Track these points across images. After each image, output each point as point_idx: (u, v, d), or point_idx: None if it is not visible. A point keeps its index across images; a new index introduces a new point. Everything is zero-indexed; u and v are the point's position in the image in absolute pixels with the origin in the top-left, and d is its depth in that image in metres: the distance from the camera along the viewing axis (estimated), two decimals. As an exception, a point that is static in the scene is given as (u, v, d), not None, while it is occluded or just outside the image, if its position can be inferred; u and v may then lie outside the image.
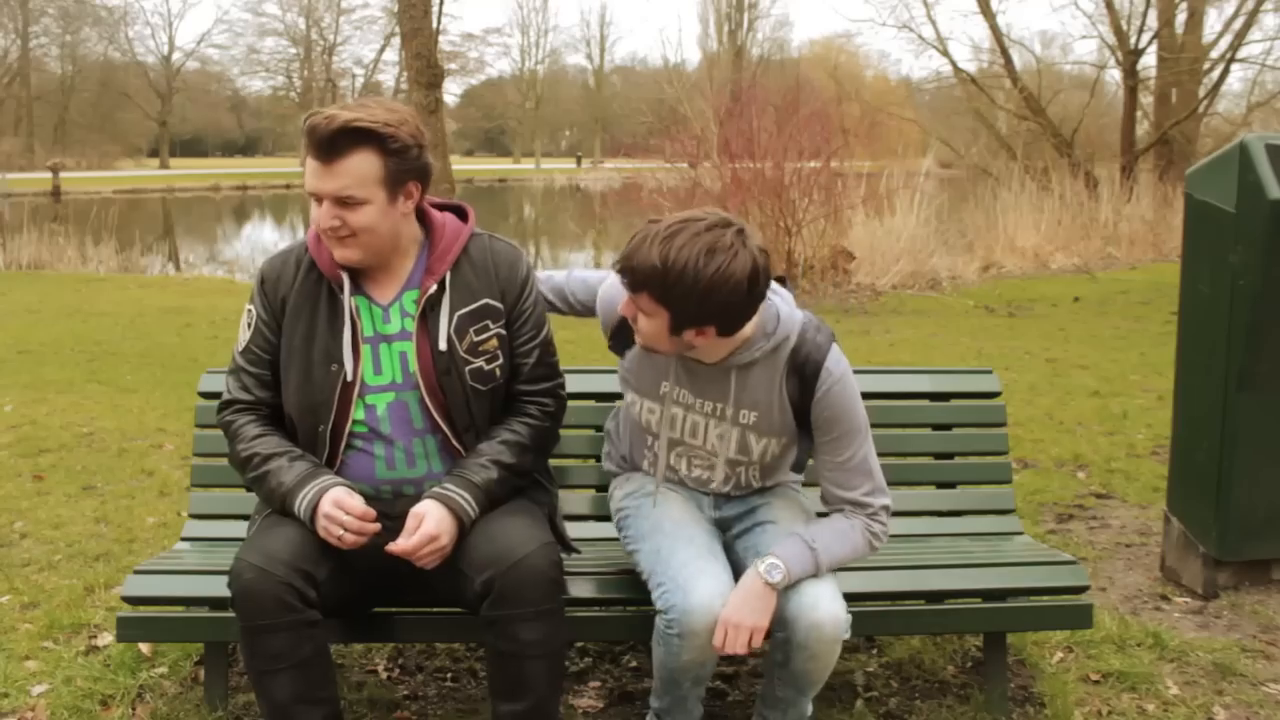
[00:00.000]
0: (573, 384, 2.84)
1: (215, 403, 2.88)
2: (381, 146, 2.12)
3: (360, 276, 2.28)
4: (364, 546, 2.18)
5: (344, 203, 2.14)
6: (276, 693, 2.15)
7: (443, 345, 2.25)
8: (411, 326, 2.27)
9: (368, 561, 2.22)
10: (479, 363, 2.28)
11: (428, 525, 2.15)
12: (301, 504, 2.18)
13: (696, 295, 2.05)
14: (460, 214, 2.39)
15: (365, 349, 2.27)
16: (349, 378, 2.24)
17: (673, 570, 2.23)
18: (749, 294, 2.09)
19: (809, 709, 2.39)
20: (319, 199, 2.16)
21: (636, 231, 2.13)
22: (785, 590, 2.19)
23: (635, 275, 2.10)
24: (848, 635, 2.22)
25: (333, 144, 2.09)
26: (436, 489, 2.23)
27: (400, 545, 2.14)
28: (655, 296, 2.09)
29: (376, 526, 2.16)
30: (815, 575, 2.21)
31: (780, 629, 2.21)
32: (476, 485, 2.23)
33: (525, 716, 2.20)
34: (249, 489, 2.39)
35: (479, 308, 2.29)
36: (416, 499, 2.23)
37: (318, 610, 2.14)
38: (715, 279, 2.04)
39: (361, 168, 2.12)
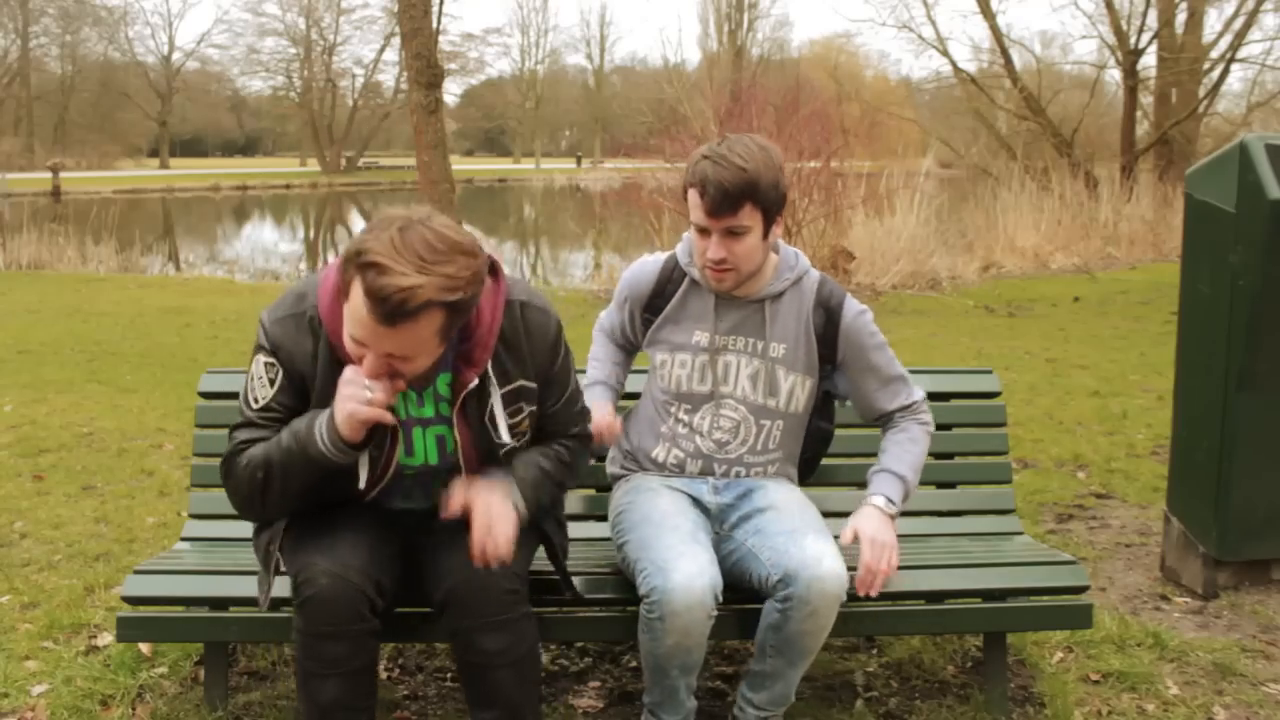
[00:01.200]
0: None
1: (215, 403, 2.90)
2: (445, 308, 1.95)
3: None
4: (410, 537, 2.23)
5: (400, 359, 2.01)
6: (322, 696, 2.13)
7: (505, 437, 2.18)
8: (447, 411, 2.19)
9: (413, 558, 2.25)
10: (513, 442, 2.22)
11: (480, 518, 2.11)
12: (320, 427, 2.05)
13: (777, 182, 2.33)
14: (491, 271, 2.16)
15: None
16: (362, 486, 2.15)
17: (654, 554, 2.27)
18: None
19: (792, 694, 2.39)
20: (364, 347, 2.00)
21: (697, 176, 2.31)
22: (788, 545, 2.27)
23: (736, 191, 2.28)
24: (845, 599, 2.25)
25: (395, 317, 1.91)
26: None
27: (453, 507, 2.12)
28: (754, 200, 2.30)
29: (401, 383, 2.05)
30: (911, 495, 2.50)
31: (783, 585, 2.24)
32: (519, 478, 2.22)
33: None
34: (261, 517, 2.25)
35: (514, 390, 2.20)
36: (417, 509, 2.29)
37: (378, 620, 2.13)
38: (777, 164, 2.34)
39: (427, 332, 1.97)
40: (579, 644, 3.02)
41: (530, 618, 2.22)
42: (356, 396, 2.00)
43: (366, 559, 2.12)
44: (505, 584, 2.14)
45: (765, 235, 2.37)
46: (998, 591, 2.57)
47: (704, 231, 2.37)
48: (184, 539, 2.82)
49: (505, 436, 2.18)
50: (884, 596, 2.54)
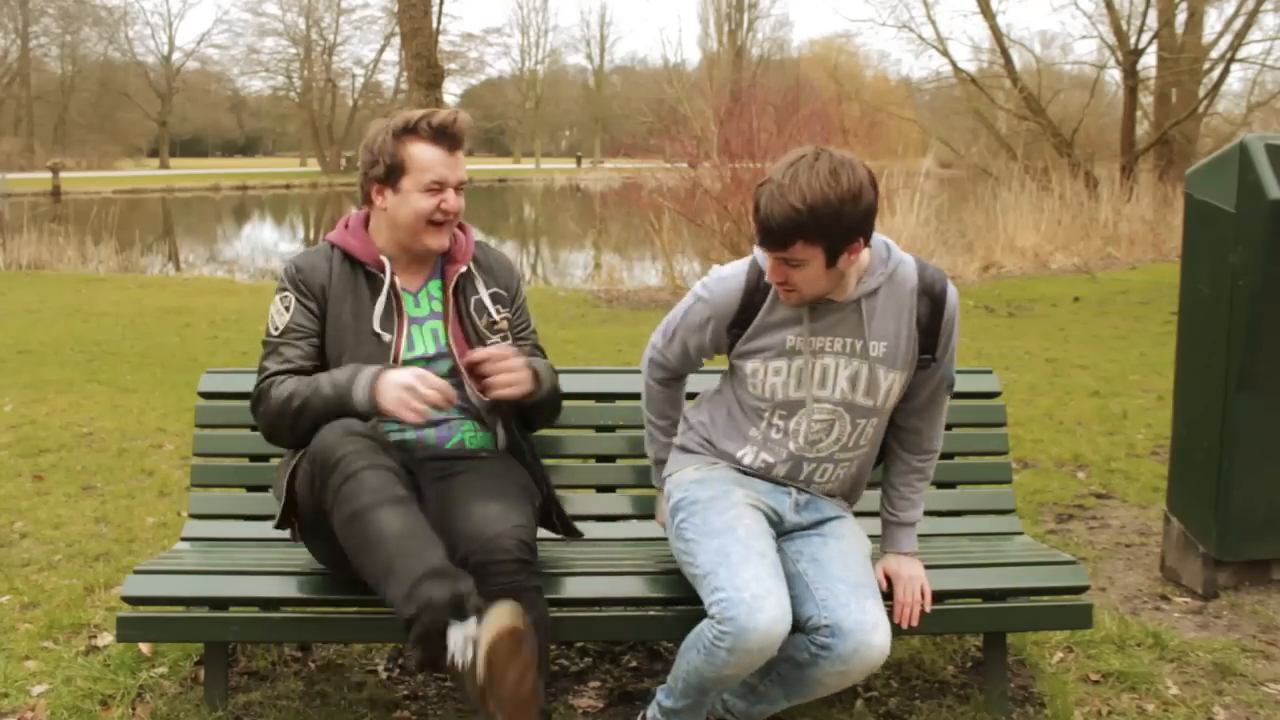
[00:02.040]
0: (573, 384, 2.85)
1: (215, 403, 2.91)
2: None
3: (392, 266, 2.55)
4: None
5: (459, 186, 2.54)
6: (389, 527, 2.13)
7: (492, 312, 2.61)
8: (440, 308, 2.59)
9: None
10: (495, 339, 2.60)
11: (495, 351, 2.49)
12: (360, 390, 2.33)
13: (844, 214, 2.14)
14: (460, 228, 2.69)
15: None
16: (392, 348, 2.50)
17: (739, 581, 2.15)
18: (875, 191, 2.21)
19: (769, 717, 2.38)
20: (445, 187, 2.50)
21: (758, 197, 2.18)
22: (848, 599, 2.22)
23: (783, 230, 2.15)
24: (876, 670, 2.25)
25: (456, 138, 2.52)
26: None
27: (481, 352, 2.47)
28: (808, 238, 2.15)
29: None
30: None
31: (828, 634, 2.18)
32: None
33: None
34: (287, 442, 2.45)
35: (493, 294, 2.65)
36: (431, 449, 2.51)
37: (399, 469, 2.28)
38: (850, 191, 2.14)
39: (462, 158, 2.55)
40: (579, 644, 3.02)
41: (540, 590, 2.26)
42: (412, 405, 2.30)
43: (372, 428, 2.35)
44: (516, 553, 2.22)
45: (831, 264, 2.20)
46: (998, 591, 2.57)
47: (765, 251, 2.26)
48: (184, 539, 2.83)
49: (492, 312, 2.61)
50: (884, 596, 2.54)
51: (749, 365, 2.38)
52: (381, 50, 59.32)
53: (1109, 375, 7.04)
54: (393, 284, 2.53)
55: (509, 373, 2.45)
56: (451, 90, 69.01)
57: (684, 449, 2.54)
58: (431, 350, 2.55)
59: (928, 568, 2.61)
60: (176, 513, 4.17)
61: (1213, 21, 21.10)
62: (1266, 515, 3.39)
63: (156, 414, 5.88)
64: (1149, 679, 2.85)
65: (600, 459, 2.91)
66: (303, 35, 58.82)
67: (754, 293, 2.36)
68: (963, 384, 3.10)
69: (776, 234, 2.15)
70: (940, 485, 3.01)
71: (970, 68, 24.43)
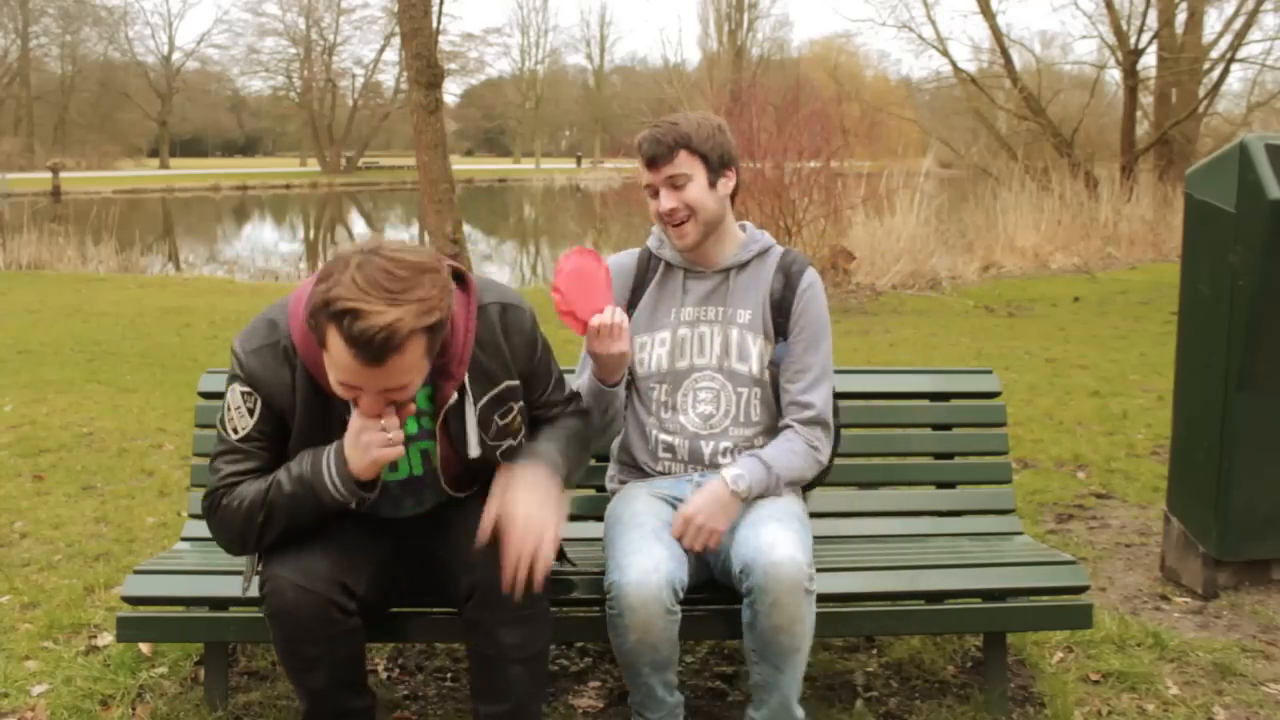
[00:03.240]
0: (572, 384, 2.85)
1: (215, 403, 2.90)
2: (426, 331, 1.95)
3: None
4: (401, 545, 2.26)
5: (397, 390, 1.99)
6: (312, 683, 2.16)
7: (474, 452, 2.18)
8: (430, 425, 2.19)
9: (398, 560, 2.26)
10: (507, 442, 2.24)
11: (514, 541, 2.09)
12: (329, 471, 2.05)
13: (717, 137, 2.47)
14: (457, 279, 2.15)
15: None
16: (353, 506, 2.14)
17: (615, 551, 2.30)
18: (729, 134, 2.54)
19: (794, 708, 2.34)
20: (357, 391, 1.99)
21: (639, 137, 2.50)
22: (748, 536, 2.27)
23: (666, 142, 2.44)
24: (812, 587, 2.22)
25: (383, 354, 1.89)
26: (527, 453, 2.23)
27: (505, 575, 2.09)
28: (690, 148, 2.45)
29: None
30: (773, 493, 2.43)
31: (744, 578, 2.23)
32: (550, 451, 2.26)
33: (505, 718, 2.22)
34: (251, 551, 2.20)
35: (499, 393, 2.21)
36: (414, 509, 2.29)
37: (357, 617, 2.14)
38: (718, 121, 2.53)
39: (414, 357, 1.95)
40: (579, 644, 3.02)
41: (548, 616, 2.24)
42: (377, 441, 2.01)
43: (332, 565, 2.10)
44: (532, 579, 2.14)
45: (713, 185, 2.48)
46: (998, 591, 2.57)
47: (653, 191, 2.49)
48: (184, 539, 2.82)
49: (474, 450, 2.17)
50: (884, 596, 2.55)
51: (639, 340, 2.58)
52: (381, 50, 59.38)
53: (1109, 375, 7.04)
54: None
55: (541, 558, 2.11)
56: (451, 90, 69.22)
57: (611, 490, 2.68)
58: (420, 471, 2.24)
59: (928, 568, 2.61)
60: (176, 513, 4.17)
61: (1213, 21, 21.11)
62: (1266, 515, 3.39)
63: (156, 414, 5.88)
64: (1149, 679, 2.85)
65: (596, 458, 2.91)
66: (303, 35, 58.82)
67: (645, 271, 2.62)
68: (963, 384, 3.11)
69: (664, 143, 2.44)
70: (940, 485, 3.02)
71: (970, 68, 24.45)
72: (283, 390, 2.10)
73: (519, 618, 2.15)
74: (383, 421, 2.01)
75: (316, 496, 2.07)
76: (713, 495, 2.35)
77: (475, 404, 2.18)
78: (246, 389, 2.12)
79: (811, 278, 2.57)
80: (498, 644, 2.17)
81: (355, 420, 2.02)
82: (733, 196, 2.57)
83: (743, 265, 2.58)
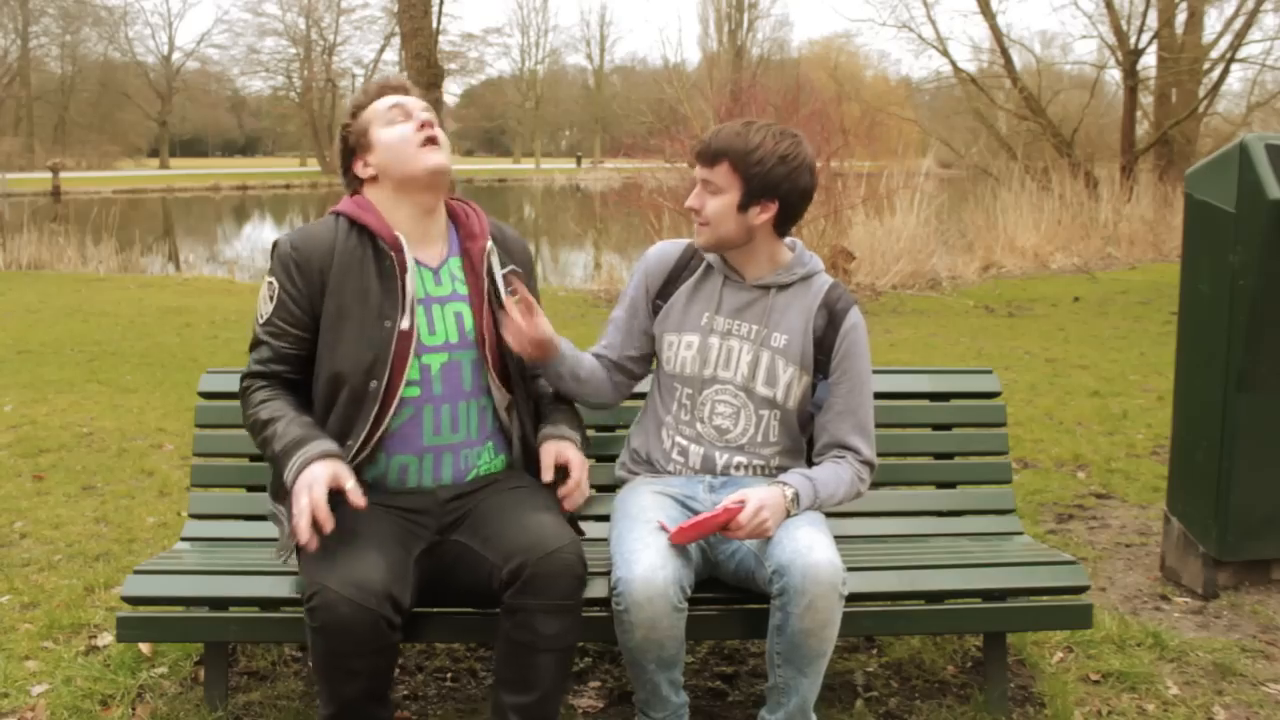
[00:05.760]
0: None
1: (215, 403, 2.91)
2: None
3: (406, 242, 2.34)
4: (436, 547, 2.32)
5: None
6: (346, 692, 2.16)
7: (504, 296, 2.39)
8: (464, 289, 2.40)
9: (431, 561, 2.30)
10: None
11: (577, 470, 2.42)
12: (290, 472, 2.17)
13: (771, 163, 2.36)
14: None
15: (419, 309, 2.33)
16: (404, 328, 2.30)
17: (622, 547, 2.29)
18: (810, 179, 2.43)
19: (811, 713, 2.35)
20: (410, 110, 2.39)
21: (710, 131, 2.44)
22: (782, 537, 2.27)
23: (716, 143, 2.38)
24: (845, 590, 2.23)
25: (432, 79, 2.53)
26: (554, 432, 2.47)
27: (566, 491, 2.40)
28: (734, 163, 2.37)
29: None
30: (815, 508, 2.40)
31: (778, 578, 2.22)
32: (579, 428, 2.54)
33: (528, 709, 2.22)
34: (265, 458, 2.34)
35: (510, 272, 2.46)
36: (451, 487, 2.36)
37: (400, 630, 2.16)
38: (788, 152, 2.38)
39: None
40: (579, 644, 3.01)
41: (581, 611, 2.26)
42: (301, 527, 2.10)
43: (385, 576, 2.12)
44: (577, 569, 2.20)
45: (742, 207, 2.40)
46: (998, 591, 2.57)
47: (694, 182, 2.48)
48: (184, 539, 2.82)
49: (504, 294, 2.39)
50: (884, 596, 2.55)
51: (666, 338, 2.55)
52: (381, 50, 59.36)
53: (1109, 375, 7.04)
54: (404, 262, 2.30)
55: (578, 493, 2.42)
56: (451, 90, 69.10)
57: (620, 480, 2.67)
58: (455, 339, 2.36)
59: (928, 568, 2.61)
60: (176, 513, 4.17)
61: (1213, 21, 21.11)
62: (1266, 515, 3.39)
63: (156, 414, 5.88)
64: (1149, 679, 2.85)
65: (600, 459, 2.91)
66: (303, 35, 58.84)
67: (683, 267, 2.57)
68: (963, 384, 3.10)
69: (711, 146, 2.39)
70: (940, 485, 3.02)
71: (970, 68, 24.44)
72: (321, 254, 2.30)
73: (560, 607, 2.18)
74: (307, 526, 2.10)
75: (278, 464, 2.22)
76: (773, 496, 2.33)
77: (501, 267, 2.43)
78: (271, 279, 2.33)
79: (855, 319, 2.51)
80: (535, 632, 2.18)
81: (305, 487, 2.13)
82: (785, 226, 2.48)
83: (784, 286, 2.50)
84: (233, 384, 2.87)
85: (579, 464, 2.43)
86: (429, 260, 2.37)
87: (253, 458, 2.87)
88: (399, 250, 2.31)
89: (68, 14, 54.58)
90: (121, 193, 34.76)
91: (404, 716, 2.67)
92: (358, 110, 2.41)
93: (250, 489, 2.85)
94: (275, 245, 2.35)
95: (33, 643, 2.99)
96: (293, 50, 59.59)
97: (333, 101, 59.25)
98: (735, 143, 2.37)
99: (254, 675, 2.85)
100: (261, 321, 2.33)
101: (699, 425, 2.52)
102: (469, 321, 2.38)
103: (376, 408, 2.28)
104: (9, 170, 33.94)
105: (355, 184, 2.42)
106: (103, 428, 5.55)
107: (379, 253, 2.32)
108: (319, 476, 2.13)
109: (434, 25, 12.82)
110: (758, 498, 2.30)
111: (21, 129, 51.22)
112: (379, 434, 2.29)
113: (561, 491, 2.40)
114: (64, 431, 5.45)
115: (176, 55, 62.05)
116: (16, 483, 4.61)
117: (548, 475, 2.40)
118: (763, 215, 2.41)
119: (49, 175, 32.20)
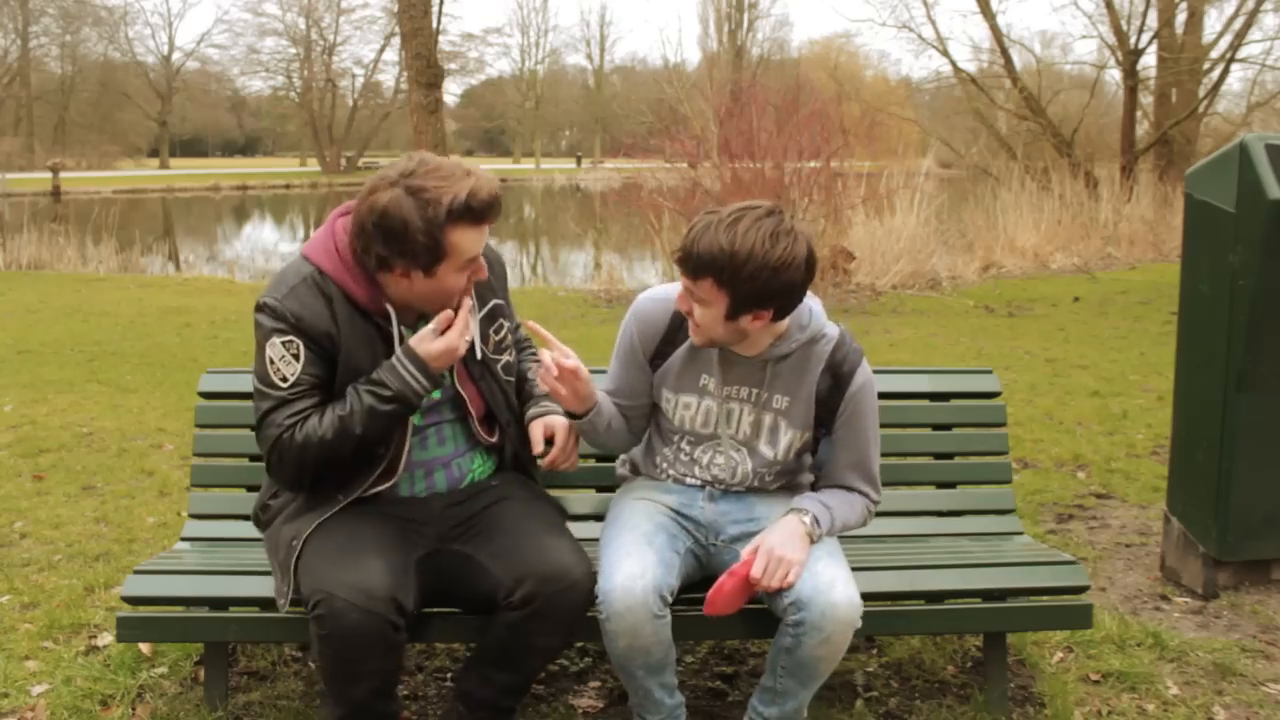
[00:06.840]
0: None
1: (215, 403, 2.90)
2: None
3: (397, 313, 2.30)
4: (438, 553, 2.34)
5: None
6: (353, 693, 2.19)
7: (477, 354, 2.39)
8: None
9: (433, 565, 2.32)
10: (504, 358, 2.47)
11: (563, 434, 2.45)
12: (408, 373, 2.20)
13: (763, 277, 2.14)
14: None
15: None
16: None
17: (606, 557, 2.30)
18: (806, 277, 2.21)
19: (804, 712, 2.37)
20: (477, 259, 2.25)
21: (695, 222, 2.21)
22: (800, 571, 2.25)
23: (699, 261, 2.16)
24: (859, 625, 2.24)
25: (492, 210, 2.21)
26: (540, 410, 2.49)
27: (551, 456, 2.43)
28: (717, 281, 2.16)
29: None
30: (829, 534, 2.37)
31: (795, 610, 2.22)
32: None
33: (506, 687, 2.34)
34: (311, 486, 2.30)
35: (491, 309, 2.43)
36: (447, 495, 2.40)
37: (405, 631, 2.18)
38: (781, 261, 2.14)
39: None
40: (579, 644, 3.02)
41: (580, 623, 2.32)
42: (459, 338, 2.22)
43: (389, 580, 2.14)
44: (587, 602, 2.24)
45: (731, 317, 2.22)
46: (998, 591, 2.57)
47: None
48: (184, 539, 2.83)
49: (479, 351, 2.38)
50: (884, 596, 2.55)
51: (664, 393, 2.47)
52: (381, 50, 59.41)
53: (1109, 375, 7.04)
54: (401, 335, 2.29)
55: (570, 455, 2.48)
56: (451, 90, 69.19)
57: (620, 476, 2.68)
58: (437, 395, 2.38)
59: (928, 568, 2.61)
60: (176, 513, 4.17)
61: (1213, 21, 21.10)
62: (1266, 515, 3.39)
63: (156, 414, 5.88)
64: (1149, 679, 2.85)
65: (600, 459, 2.91)
66: (303, 35, 58.84)
67: (676, 330, 2.41)
68: (963, 384, 3.10)
69: (692, 262, 2.18)
70: (940, 485, 3.02)
71: (970, 68, 24.42)
72: (323, 321, 2.21)
73: (564, 628, 2.26)
74: (459, 325, 2.22)
75: (407, 401, 2.20)
76: (789, 529, 2.29)
77: (476, 315, 2.37)
78: (287, 337, 2.20)
79: (863, 378, 2.39)
80: (531, 645, 2.26)
81: (434, 324, 2.22)
82: (783, 315, 2.30)
83: (783, 356, 2.37)
84: (233, 384, 2.88)
85: (565, 428, 2.46)
86: (407, 318, 2.31)
87: (252, 458, 2.87)
88: (387, 320, 2.27)
89: (68, 14, 54.61)
90: (121, 193, 34.77)
91: (404, 717, 2.67)
92: (448, 223, 2.13)
93: (250, 489, 2.85)
94: (268, 309, 2.22)
95: (33, 643, 2.99)
96: (293, 50, 59.65)
97: (333, 101, 59.28)
98: (718, 258, 2.13)
99: (254, 675, 2.85)
100: (286, 383, 2.21)
101: (698, 469, 2.50)
102: (449, 374, 2.37)
103: (390, 452, 2.33)
104: (9, 170, 33.95)
105: (381, 266, 2.21)
106: (103, 428, 5.55)
107: (366, 314, 2.27)
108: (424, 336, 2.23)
109: (434, 25, 12.85)
110: (768, 541, 2.26)
111: (21, 129, 51.23)
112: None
113: (550, 457, 2.45)
114: (64, 431, 5.45)
115: (176, 55, 62.19)
116: (16, 483, 4.61)
117: (538, 447, 2.44)
118: (756, 322, 2.25)
119: (49, 175, 32.21)
